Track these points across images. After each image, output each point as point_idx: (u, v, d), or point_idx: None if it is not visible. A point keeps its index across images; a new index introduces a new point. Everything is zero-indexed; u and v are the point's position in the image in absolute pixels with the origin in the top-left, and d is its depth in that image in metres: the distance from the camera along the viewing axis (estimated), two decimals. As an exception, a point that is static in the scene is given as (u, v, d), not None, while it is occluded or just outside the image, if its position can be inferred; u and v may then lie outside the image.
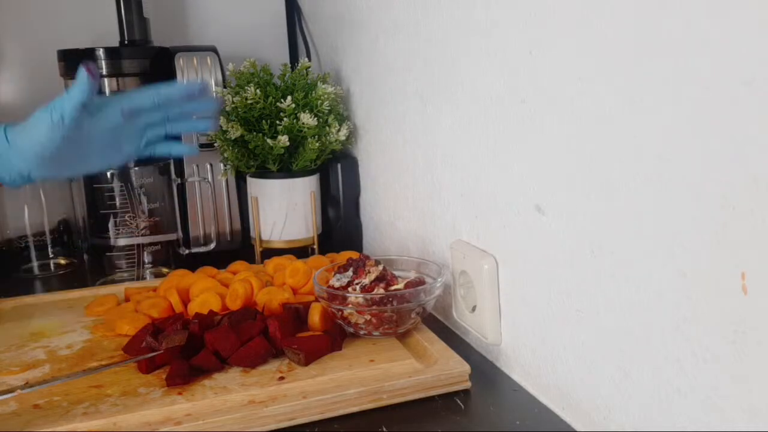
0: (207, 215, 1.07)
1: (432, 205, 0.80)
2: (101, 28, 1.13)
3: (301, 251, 0.99)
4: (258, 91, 0.96)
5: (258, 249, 1.01)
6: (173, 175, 0.99)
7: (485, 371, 0.67)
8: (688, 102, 0.41)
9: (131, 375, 0.64)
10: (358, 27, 0.99)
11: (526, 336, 0.62)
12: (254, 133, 0.96)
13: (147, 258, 0.97)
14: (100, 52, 1.01)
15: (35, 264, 1.06)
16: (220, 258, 0.94)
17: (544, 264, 0.58)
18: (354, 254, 0.83)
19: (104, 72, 1.02)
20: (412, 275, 0.75)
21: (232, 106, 0.97)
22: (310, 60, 1.10)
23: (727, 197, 0.39)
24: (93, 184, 0.94)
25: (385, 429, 0.56)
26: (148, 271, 0.97)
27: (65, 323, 0.78)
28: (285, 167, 0.99)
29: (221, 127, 0.98)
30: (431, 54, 0.76)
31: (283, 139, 0.94)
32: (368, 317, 0.68)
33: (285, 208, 0.99)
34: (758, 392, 0.38)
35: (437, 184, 0.78)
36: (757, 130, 0.36)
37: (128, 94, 0.72)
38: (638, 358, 0.48)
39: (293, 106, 0.96)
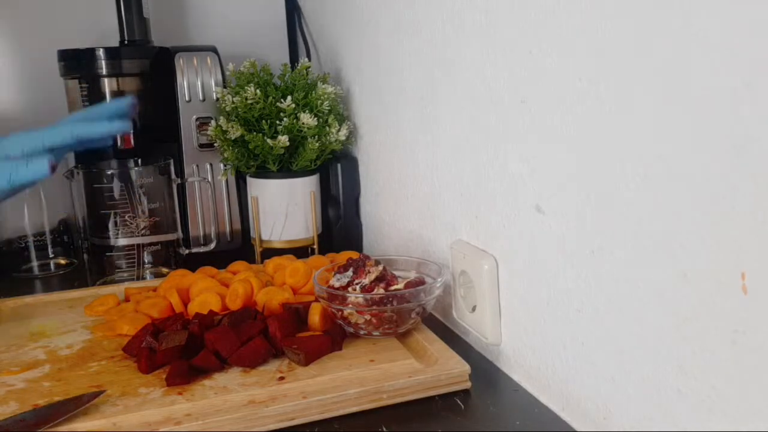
0: (207, 215, 1.07)
1: (432, 205, 0.80)
2: (101, 28, 1.13)
3: (301, 251, 0.99)
4: (258, 91, 0.96)
5: (258, 249, 1.01)
6: (173, 175, 0.99)
7: (485, 371, 0.67)
8: (688, 102, 0.41)
9: (131, 375, 0.64)
10: (358, 27, 0.99)
11: (526, 336, 0.62)
12: (254, 133, 0.96)
13: (147, 258, 0.97)
14: (100, 52, 1.01)
15: (35, 264, 1.06)
16: (220, 258, 0.94)
17: (544, 264, 0.58)
18: (354, 254, 0.83)
19: (104, 72, 1.02)
20: (412, 275, 0.75)
21: (232, 106, 0.97)
22: (310, 60, 1.10)
23: (727, 197, 0.39)
24: (93, 184, 0.94)
25: (385, 429, 0.56)
26: (148, 271, 0.97)
27: (65, 323, 0.78)
28: (285, 167, 0.99)
29: (221, 127, 0.98)
30: (431, 54, 0.76)
31: (283, 139, 0.94)
32: (368, 317, 0.68)
33: (285, 208, 0.99)
34: (758, 392, 0.38)
35: (437, 184, 0.78)
36: (757, 130, 0.36)
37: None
38: (638, 358, 0.48)
39: (293, 106, 0.96)
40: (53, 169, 0.66)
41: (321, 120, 0.98)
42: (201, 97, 1.05)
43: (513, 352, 0.65)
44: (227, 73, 1.03)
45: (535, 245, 0.59)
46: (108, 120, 0.73)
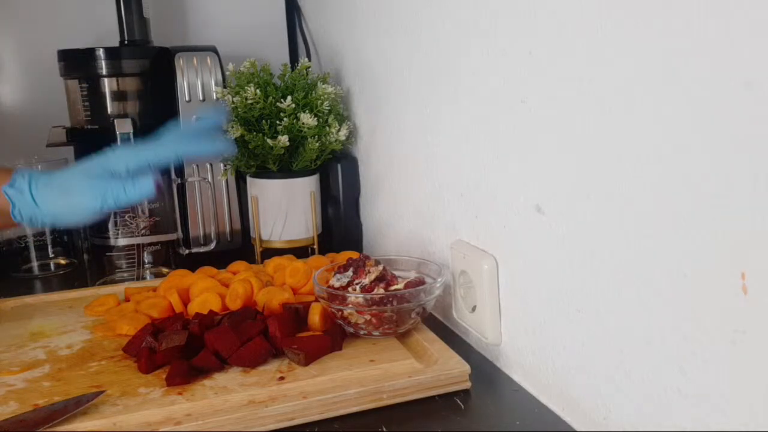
0: (207, 215, 1.07)
1: (432, 205, 0.80)
2: (101, 28, 1.13)
3: (301, 251, 0.99)
4: (258, 91, 0.96)
5: (258, 249, 1.01)
6: (173, 175, 0.99)
7: (485, 371, 0.67)
8: (688, 102, 0.41)
9: (131, 375, 0.64)
10: (358, 27, 0.99)
11: (527, 336, 0.62)
12: (254, 133, 0.96)
13: (147, 258, 0.97)
14: (100, 52, 1.01)
15: (35, 264, 1.06)
16: (220, 258, 0.94)
17: (544, 264, 0.58)
18: (354, 254, 0.83)
19: (104, 72, 1.02)
20: (412, 275, 0.75)
21: (232, 106, 0.97)
22: (310, 60, 1.10)
23: (727, 197, 0.39)
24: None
25: (385, 429, 0.56)
26: (148, 271, 0.97)
27: (65, 323, 0.78)
28: (285, 167, 0.99)
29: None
30: (431, 54, 0.76)
31: (283, 139, 0.94)
32: (368, 317, 0.68)
33: (285, 208, 0.99)
34: (758, 392, 0.38)
35: (437, 184, 0.78)
36: (757, 130, 0.36)
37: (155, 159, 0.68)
38: (638, 358, 0.48)
39: (293, 106, 0.96)
40: (158, 188, 0.67)
41: (321, 120, 0.98)
42: (201, 97, 1.05)
43: (513, 352, 0.65)
44: (227, 73, 1.03)
45: (535, 245, 0.59)
46: (210, 138, 0.72)
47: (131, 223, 0.94)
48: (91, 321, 0.79)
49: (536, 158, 0.58)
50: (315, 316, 0.72)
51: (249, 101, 0.96)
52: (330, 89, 0.99)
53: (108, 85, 1.03)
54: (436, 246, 0.80)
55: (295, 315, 0.72)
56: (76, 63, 1.03)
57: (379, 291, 0.69)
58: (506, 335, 0.66)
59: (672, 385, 0.45)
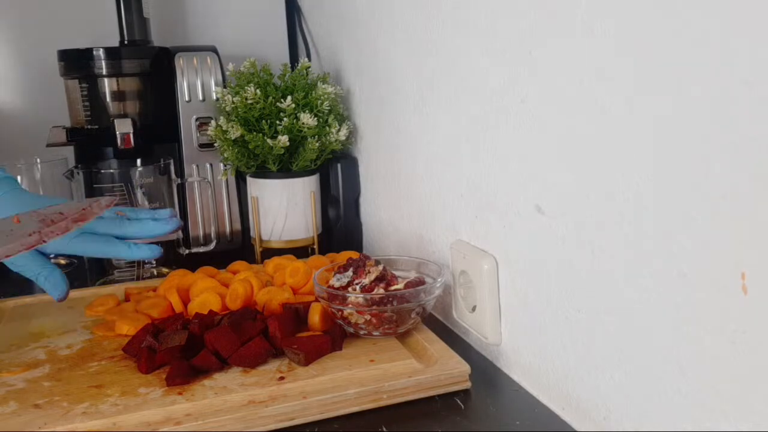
0: (207, 215, 1.07)
1: (432, 205, 0.80)
2: (101, 28, 1.13)
3: (301, 251, 0.99)
4: (258, 91, 0.96)
5: (258, 249, 1.01)
6: (173, 175, 0.99)
7: (485, 371, 0.67)
8: (688, 102, 0.41)
9: (131, 375, 0.64)
10: (358, 27, 0.99)
11: (526, 336, 0.62)
12: (254, 133, 0.96)
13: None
14: (100, 52, 1.02)
15: (35, 264, 1.06)
16: (220, 258, 0.94)
17: (544, 264, 0.58)
18: (354, 254, 0.83)
19: (104, 72, 1.02)
20: (412, 275, 0.75)
21: (232, 106, 0.97)
22: (310, 60, 1.10)
23: (727, 197, 0.39)
24: (93, 184, 0.94)
25: (385, 429, 0.56)
26: (148, 271, 0.97)
27: (65, 323, 0.78)
28: (285, 167, 0.99)
29: (221, 127, 0.98)
30: (431, 54, 0.76)
31: (283, 139, 0.94)
32: (368, 317, 0.68)
33: (285, 208, 0.99)
34: (758, 392, 0.38)
35: (437, 184, 0.78)
36: (757, 130, 0.36)
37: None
38: (638, 358, 0.48)
39: (293, 106, 0.96)
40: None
41: (321, 120, 0.98)
42: (201, 97, 1.05)
43: (513, 352, 0.65)
44: (227, 73, 1.03)
45: (535, 245, 0.59)
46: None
47: (131, 223, 0.94)
48: (91, 321, 0.79)
49: (536, 158, 0.58)
50: (315, 316, 0.72)
51: (249, 101, 0.96)
52: (330, 89, 0.99)
53: (108, 85, 1.03)
54: (436, 246, 0.80)
55: (295, 315, 0.72)
56: (76, 63, 1.03)
57: (379, 291, 0.69)
58: (506, 335, 0.66)
59: (672, 385, 0.45)
